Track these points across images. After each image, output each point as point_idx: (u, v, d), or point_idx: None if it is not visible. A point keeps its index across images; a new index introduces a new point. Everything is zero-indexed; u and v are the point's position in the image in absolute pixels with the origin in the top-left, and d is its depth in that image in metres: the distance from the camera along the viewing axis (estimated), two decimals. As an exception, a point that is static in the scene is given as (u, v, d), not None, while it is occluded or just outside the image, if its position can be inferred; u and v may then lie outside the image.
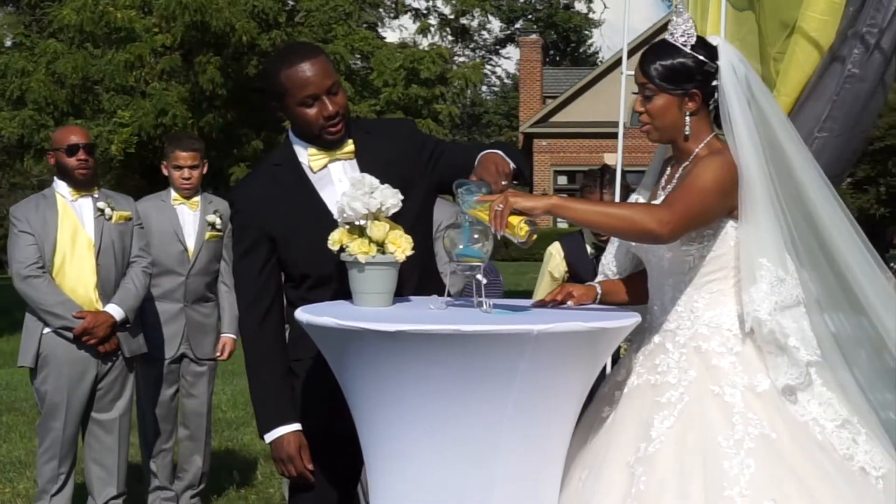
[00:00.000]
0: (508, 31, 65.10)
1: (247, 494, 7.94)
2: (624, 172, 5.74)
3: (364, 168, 4.22)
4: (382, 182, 3.96)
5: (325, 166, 4.28)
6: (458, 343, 3.45)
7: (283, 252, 4.26)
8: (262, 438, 4.28)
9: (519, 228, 3.66)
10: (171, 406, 7.14)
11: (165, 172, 7.19)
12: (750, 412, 3.72)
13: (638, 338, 4.10)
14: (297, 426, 4.20)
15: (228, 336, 7.33)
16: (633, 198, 4.27)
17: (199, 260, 7.12)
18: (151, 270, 6.68)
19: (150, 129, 23.62)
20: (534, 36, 53.45)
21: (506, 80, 69.60)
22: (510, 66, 77.09)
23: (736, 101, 3.89)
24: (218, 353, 7.29)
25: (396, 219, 3.97)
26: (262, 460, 8.82)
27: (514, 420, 3.59)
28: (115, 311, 6.36)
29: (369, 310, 3.87)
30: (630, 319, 3.77)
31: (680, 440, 3.71)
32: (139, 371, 6.91)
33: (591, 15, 66.52)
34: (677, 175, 4.01)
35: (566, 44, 70.23)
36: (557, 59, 67.41)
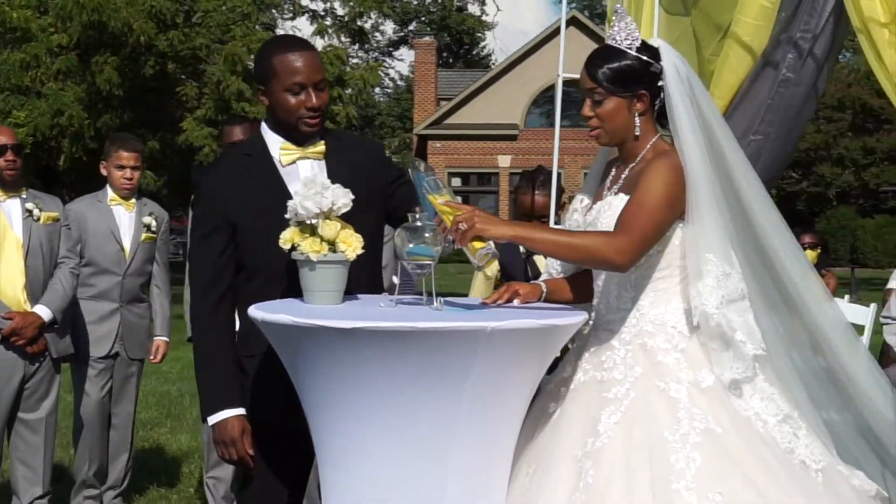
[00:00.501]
0: (402, 33, 65.20)
1: (168, 494, 7.96)
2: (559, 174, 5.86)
3: (331, 170, 4.30)
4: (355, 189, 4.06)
5: (295, 162, 4.35)
6: (413, 340, 3.53)
7: (242, 241, 4.29)
8: (205, 421, 4.30)
9: (477, 253, 3.81)
10: (103, 404, 7.14)
11: (104, 172, 7.19)
12: (695, 407, 3.81)
13: (583, 335, 4.20)
14: (241, 411, 4.24)
15: (161, 339, 7.40)
16: (577, 199, 4.37)
17: (135, 261, 7.15)
18: (79, 271, 6.69)
19: (45, 129, 23.38)
20: (428, 38, 53.73)
21: (399, 82, 69.75)
22: (403, 68, 77.06)
23: (680, 101, 4.02)
24: (151, 356, 7.33)
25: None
26: (181, 460, 8.84)
27: (467, 415, 3.68)
28: (44, 311, 6.36)
29: (323, 307, 3.94)
30: (579, 317, 3.90)
31: (627, 435, 3.80)
32: (73, 370, 6.92)
33: (484, 17, 66.99)
34: (623, 176, 4.12)
35: (459, 46, 70.50)
36: (451, 61, 67.64)
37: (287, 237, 4.02)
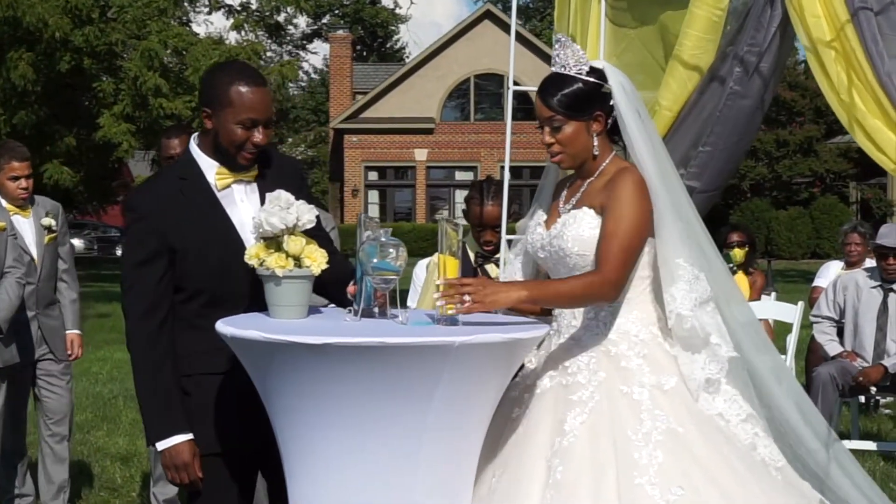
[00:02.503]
0: (315, 27, 65.00)
1: (109, 498, 7.94)
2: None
3: (263, 193, 4.30)
4: None
5: (229, 185, 4.36)
6: (382, 355, 3.61)
7: (182, 265, 4.27)
8: (153, 446, 4.31)
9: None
10: (23, 411, 7.11)
11: None
12: (657, 409, 3.98)
13: (546, 343, 4.32)
14: (190, 435, 4.24)
15: (74, 332, 7.34)
16: (532, 214, 4.48)
17: (45, 265, 7.06)
18: (24, 281, 6.63)
19: (-39, 126, 23.12)
20: (342, 31, 53.66)
21: (313, 76, 69.57)
22: (317, 62, 76.87)
23: (630, 116, 4.19)
24: (69, 353, 7.29)
25: None
26: (119, 464, 8.83)
27: (434, 428, 3.75)
28: (-11, 321, 6.32)
29: (292, 322, 3.98)
30: (542, 330, 4.02)
31: (593, 433, 3.96)
32: None
33: (397, 10, 67.09)
34: (582, 189, 4.26)
35: (373, 39, 70.48)
36: (365, 54, 67.60)
37: (252, 253, 4.05)
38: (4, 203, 6.98)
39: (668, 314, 4.11)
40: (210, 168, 4.35)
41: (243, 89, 4.23)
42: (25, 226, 7.04)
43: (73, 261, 7.46)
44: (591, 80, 4.19)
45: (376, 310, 4.12)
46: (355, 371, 3.64)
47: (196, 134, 4.51)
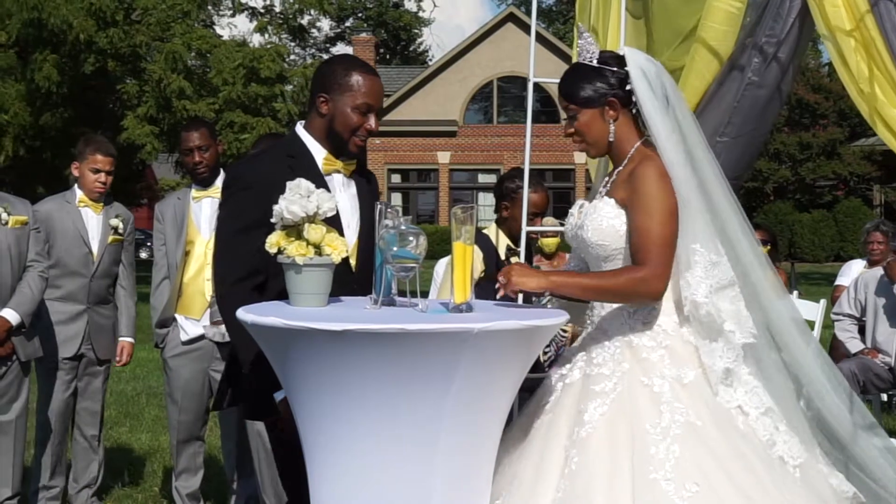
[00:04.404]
0: (338, 30, 65.13)
1: (132, 493, 7.99)
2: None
3: (359, 189, 4.60)
4: (363, 212, 4.40)
5: (330, 173, 4.54)
6: (401, 341, 3.61)
7: None
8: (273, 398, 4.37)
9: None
10: (67, 405, 7.17)
11: (76, 173, 7.20)
12: (677, 401, 3.99)
13: (582, 334, 4.41)
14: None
15: (126, 340, 7.42)
16: (581, 204, 4.50)
17: (103, 263, 7.16)
18: (48, 275, 6.69)
19: (-14, 127, 23.27)
20: (366, 34, 53.67)
21: (336, 79, 69.60)
22: (340, 65, 76.98)
23: (648, 100, 4.22)
24: (117, 358, 7.36)
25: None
26: (143, 458, 8.87)
27: (453, 415, 3.76)
28: (12, 315, 6.37)
29: (310, 310, 4.00)
30: (560, 318, 4.02)
31: (611, 425, 3.98)
32: (38, 371, 6.96)
33: (420, 13, 67.14)
34: (612, 179, 4.33)
35: (396, 42, 70.52)
36: (388, 57, 67.67)
37: (273, 241, 4.07)
38: (80, 194, 7.16)
39: (684, 300, 4.14)
40: (318, 153, 4.55)
41: (361, 77, 4.51)
42: (93, 220, 7.18)
43: (133, 272, 7.54)
44: (602, 66, 4.26)
45: (396, 298, 4.15)
46: (375, 357, 3.65)
47: (302, 122, 4.67)
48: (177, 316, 6.96)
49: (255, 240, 4.26)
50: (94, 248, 7.14)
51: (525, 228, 5.42)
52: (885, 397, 9.93)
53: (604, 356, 4.19)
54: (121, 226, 7.22)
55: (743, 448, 3.96)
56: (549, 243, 8.85)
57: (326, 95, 4.50)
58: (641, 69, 4.24)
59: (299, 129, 4.61)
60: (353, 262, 4.49)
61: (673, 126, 4.21)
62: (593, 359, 4.22)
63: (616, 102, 4.24)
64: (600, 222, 4.20)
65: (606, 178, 4.41)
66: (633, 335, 4.19)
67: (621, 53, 4.32)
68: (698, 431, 3.93)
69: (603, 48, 4.89)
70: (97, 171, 7.14)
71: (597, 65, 4.26)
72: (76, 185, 7.23)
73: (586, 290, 4.19)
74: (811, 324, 8.94)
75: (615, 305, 4.24)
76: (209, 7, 31.46)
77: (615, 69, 4.24)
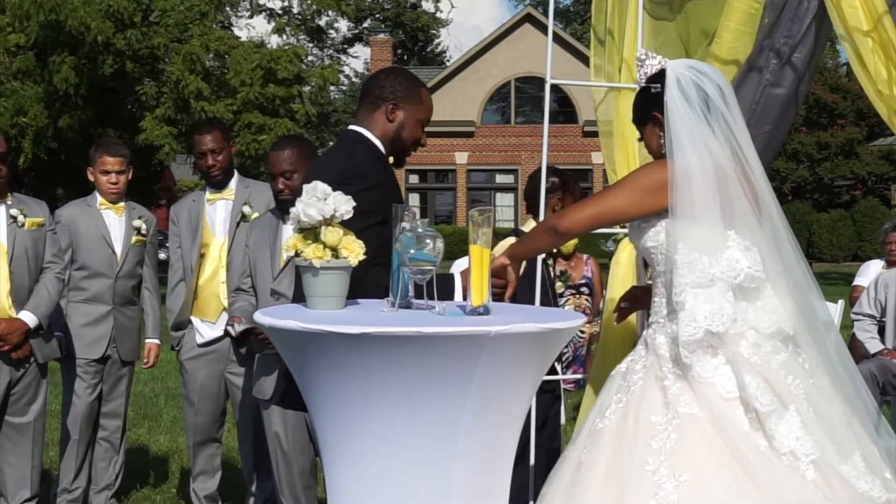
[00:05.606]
0: (356, 31, 65.20)
1: (151, 494, 8.01)
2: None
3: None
4: None
5: None
6: (419, 344, 3.60)
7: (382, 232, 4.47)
8: None
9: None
10: (92, 407, 7.19)
11: (91, 178, 7.25)
12: (682, 395, 4.14)
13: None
14: None
15: (153, 341, 7.47)
16: None
17: (126, 263, 7.20)
18: (65, 276, 6.72)
19: (7, 128, 23.30)
20: (384, 35, 53.74)
21: (354, 80, 69.66)
22: (358, 66, 77.04)
23: (675, 110, 4.34)
24: (145, 360, 7.39)
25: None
26: (161, 460, 8.90)
27: (471, 418, 3.75)
28: (29, 318, 6.39)
29: (327, 313, 3.99)
30: (578, 320, 4.01)
31: (623, 418, 4.22)
32: (63, 372, 6.99)
33: (438, 14, 67.14)
34: None
35: (414, 43, 70.57)
36: (405, 58, 67.69)
37: (290, 244, 4.07)
38: (100, 198, 7.22)
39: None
40: (382, 153, 4.71)
41: (425, 93, 4.81)
42: (115, 222, 7.23)
43: (157, 272, 7.57)
44: (646, 85, 4.48)
45: (413, 300, 4.14)
46: (392, 361, 3.64)
47: (358, 126, 4.76)
48: (192, 318, 6.99)
49: (387, 233, 4.34)
50: (118, 250, 7.18)
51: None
52: (904, 399, 9.88)
53: (639, 353, 4.44)
54: (143, 227, 7.25)
55: (738, 440, 4.03)
56: (567, 244, 8.84)
57: (399, 104, 4.69)
58: (677, 76, 4.37)
59: (365, 132, 4.72)
60: None
61: (690, 125, 4.29)
62: (632, 356, 4.49)
63: (658, 117, 4.42)
64: (641, 223, 4.44)
65: None
66: (656, 331, 4.38)
67: (663, 67, 4.47)
68: (699, 423, 4.06)
69: (618, 50, 5.05)
70: (107, 173, 7.17)
71: (644, 84, 4.49)
72: (95, 190, 7.27)
73: (527, 242, 4.63)
74: (829, 325, 8.93)
75: (656, 310, 4.42)
76: (227, 8, 31.52)
77: (653, 85, 4.44)
